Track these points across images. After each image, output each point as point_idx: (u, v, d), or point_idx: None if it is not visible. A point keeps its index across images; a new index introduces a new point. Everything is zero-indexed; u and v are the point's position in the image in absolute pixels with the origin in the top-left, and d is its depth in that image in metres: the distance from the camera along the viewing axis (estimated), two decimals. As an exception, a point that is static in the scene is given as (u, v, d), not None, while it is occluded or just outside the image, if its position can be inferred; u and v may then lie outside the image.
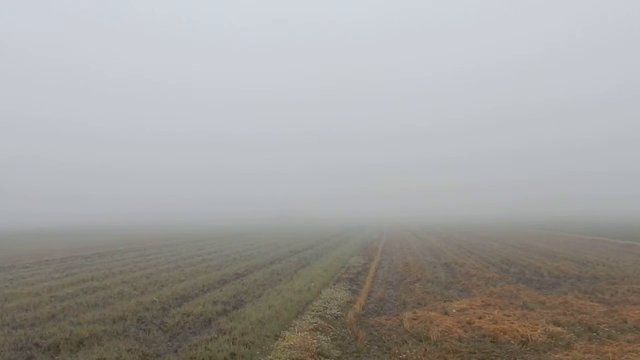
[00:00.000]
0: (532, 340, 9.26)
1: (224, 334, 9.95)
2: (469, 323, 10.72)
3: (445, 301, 13.47)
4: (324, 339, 9.52)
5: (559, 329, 10.07)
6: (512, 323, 10.56)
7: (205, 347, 8.94)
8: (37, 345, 9.33)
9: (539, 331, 9.83)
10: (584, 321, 10.74)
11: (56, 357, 8.64)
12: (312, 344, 8.99)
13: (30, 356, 8.71)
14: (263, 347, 8.99)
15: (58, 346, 9.19)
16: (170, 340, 9.76)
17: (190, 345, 9.19)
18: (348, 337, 9.76)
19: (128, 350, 8.80)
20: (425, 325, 10.50)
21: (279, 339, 9.50)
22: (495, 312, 11.80)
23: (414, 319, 11.17)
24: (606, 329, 10.11)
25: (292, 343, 9.03)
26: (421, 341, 9.35)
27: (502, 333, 9.80)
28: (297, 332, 9.85)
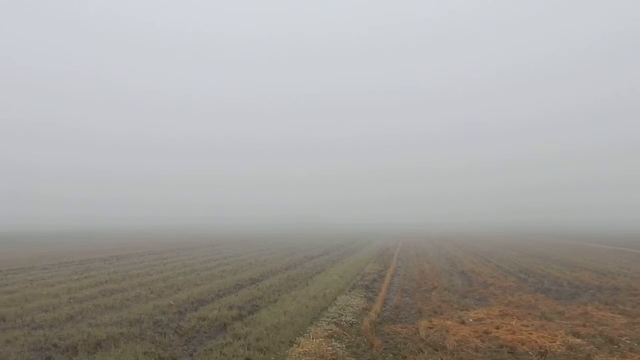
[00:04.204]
0: (551, 352, 9.09)
1: (239, 339, 9.98)
2: (486, 333, 10.57)
3: (461, 310, 13.30)
4: (339, 346, 9.47)
5: (578, 340, 9.87)
6: (530, 334, 10.38)
7: (221, 352, 8.97)
8: (55, 346, 9.47)
9: (558, 342, 9.64)
10: (605, 333, 10.51)
11: (74, 359, 8.74)
12: (327, 351, 8.96)
13: (48, 357, 8.83)
14: (278, 353, 8.99)
15: (76, 347, 9.32)
16: (185, 344, 9.82)
17: (205, 350, 9.23)
18: (363, 345, 9.69)
19: (144, 353, 8.88)
20: (441, 334, 10.39)
21: (294, 345, 9.49)
22: (513, 322, 11.62)
23: (430, 328, 11.06)
24: (628, 341, 9.87)
25: (307, 349, 9.00)
26: (437, 350, 9.25)
27: (520, 344, 9.64)
28: (312, 339, 9.83)
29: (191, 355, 9.06)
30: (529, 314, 12.73)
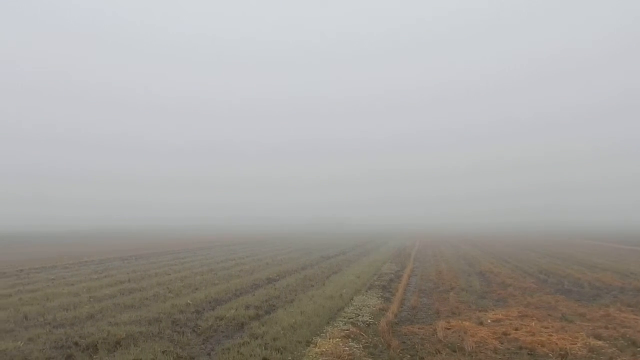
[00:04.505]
0: (571, 354, 8.94)
1: (256, 338, 10.02)
2: (505, 334, 10.44)
3: (480, 311, 13.17)
4: (355, 346, 9.44)
5: (600, 342, 9.69)
6: (550, 335, 10.22)
7: (238, 351, 9.02)
8: (76, 344, 9.62)
9: (578, 345, 9.48)
10: (627, 335, 10.30)
11: (94, 357, 8.87)
12: (344, 351, 8.94)
13: (69, 355, 8.97)
14: (295, 352, 9.00)
15: (96, 346, 9.45)
16: (203, 343, 9.89)
17: (223, 349, 9.28)
18: (380, 345, 9.65)
19: (163, 352, 8.96)
20: (459, 336, 10.29)
21: (311, 345, 9.48)
22: (533, 323, 11.45)
23: (448, 329, 10.96)
24: (651, 344, 9.67)
25: (324, 349, 9.00)
26: (455, 352, 9.16)
27: (539, 345, 9.50)
28: (329, 339, 9.82)
29: (209, 354, 9.12)
30: (549, 315, 12.53)
